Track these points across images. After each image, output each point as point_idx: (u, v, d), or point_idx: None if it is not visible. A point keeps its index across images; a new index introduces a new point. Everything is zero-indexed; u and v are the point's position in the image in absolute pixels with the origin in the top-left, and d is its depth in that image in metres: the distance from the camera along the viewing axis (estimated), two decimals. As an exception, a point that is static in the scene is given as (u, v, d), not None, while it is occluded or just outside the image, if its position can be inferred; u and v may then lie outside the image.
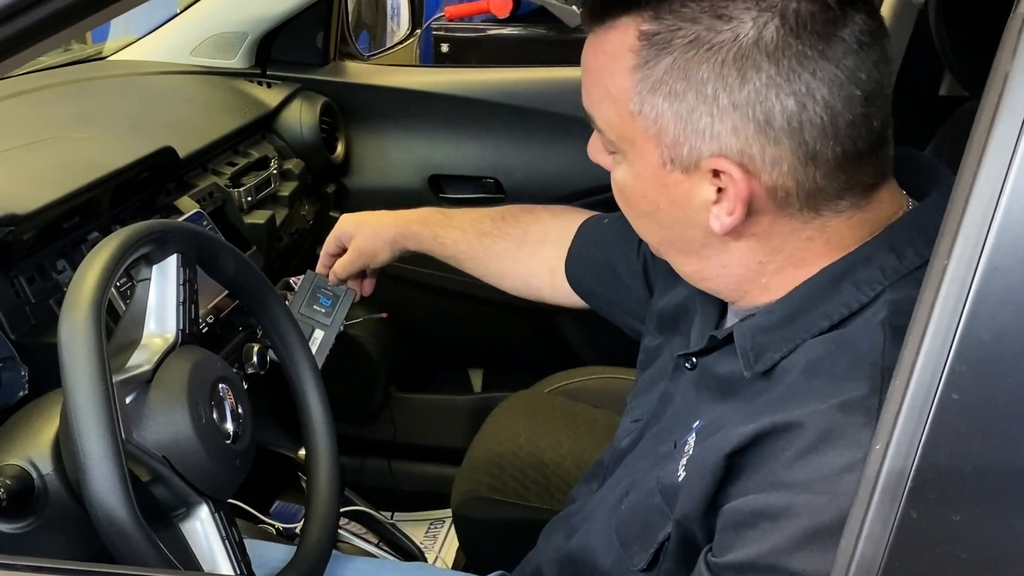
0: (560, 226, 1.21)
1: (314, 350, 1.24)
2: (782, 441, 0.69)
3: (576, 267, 1.18)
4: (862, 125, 0.71)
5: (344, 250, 1.26)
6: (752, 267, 0.78)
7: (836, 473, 0.65)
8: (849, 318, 0.73)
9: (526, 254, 1.22)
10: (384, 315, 1.34)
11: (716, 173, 0.72)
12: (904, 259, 0.73)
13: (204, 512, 0.85)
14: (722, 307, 0.88)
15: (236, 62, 1.91)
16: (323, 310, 1.26)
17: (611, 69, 0.75)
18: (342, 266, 1.25)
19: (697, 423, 0.80)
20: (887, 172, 0.76)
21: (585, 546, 0.89)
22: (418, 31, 2.64)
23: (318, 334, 1.25)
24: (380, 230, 1.24)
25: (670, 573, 0.78)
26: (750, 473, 0.71)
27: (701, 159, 0.72)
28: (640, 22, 0.72)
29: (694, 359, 0.86)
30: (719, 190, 0.73)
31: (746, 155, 0.71)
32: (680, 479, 0.76)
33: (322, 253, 1.29)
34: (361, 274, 1.28)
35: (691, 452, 0.77)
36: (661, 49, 0.71)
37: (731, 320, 0.85)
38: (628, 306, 1.12)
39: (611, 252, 1.13)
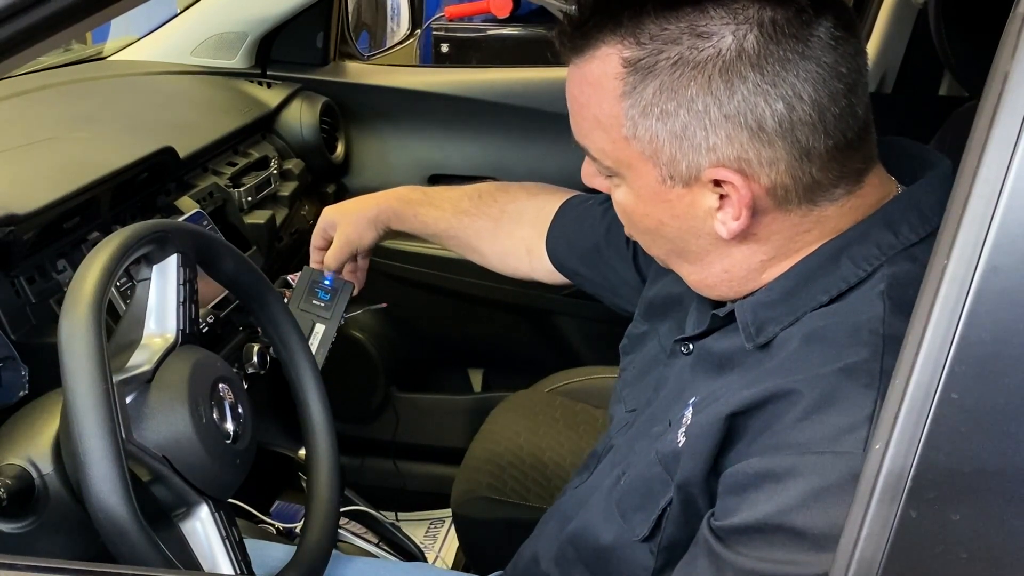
0: (536, 206, 1.22)
1: (316, 344, 1.24)
2: (783, 405, 0.70)
3: (559, 248, 1.19)
4: (849, 116, 0.72)
5: (331, 242, 1.27)
6: (753, 267, 0.79)
7: (839, 433, 0.66)
8: (847, 292, 0.75)
9: (503, 233, 1.24)
10: (384, 305, 1.35)
11: (717, 182, 0.74)
12: (900, 235, 0.75)
13: (204, 512, 0.85)
14: None
15: (236, 62, 1.91)
16: (322, 304, 1.27)
17: (598, 99, 0.76)
18: (331, 256, 1.26)
19: (693, 399, 0.82)
20: (874, 156, 0.78)
21: (584, 527, 0.90)
22: (418, 31, 2.64)
23: (319, 328, 1.26)
24: (362, 213, 1.26)
25: (672, 539, 0.79)
26: (752, 437, 0.72)
27: (700, 171, 0.74)
28: (621, 49, 0.73)
29: (691, 344, 0.88)
30: (721, 196, 0.75)
31: (743, 161, 0.72)
32: (680, 444, 0.78)
33: (311, 248, 1.30)
34: (353, 261, 1.29)
35: (689, 422, 0.79)
36: (647, 73, 0.72)
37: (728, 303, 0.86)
38: (615, 286, 1.14)
39: (597, 238, 1.14)
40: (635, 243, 1.10)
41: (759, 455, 0.70)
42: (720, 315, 0.83)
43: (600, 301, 1.20)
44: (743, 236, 0.76)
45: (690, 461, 0.75)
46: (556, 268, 1.21)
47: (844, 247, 0.76)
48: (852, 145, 0.73)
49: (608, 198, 1.02)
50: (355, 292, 1.29)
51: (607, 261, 1.14)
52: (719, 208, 0.75)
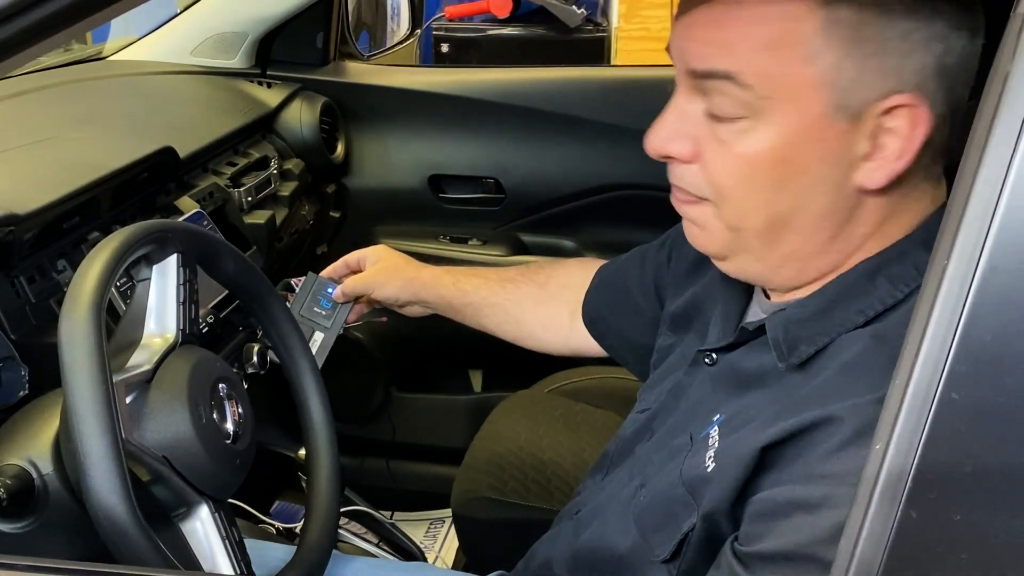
0: (584, 272, 1.22)
1: (314, 352, 1.24)
2: (820, 435, 0.68)
3: (592, 301, 1.19)
4: (968, 86, 0.71)
5: (359, 271, 1.28)
6: (818, 246, 0.75)
7: None
8: (883, 314, 0.73)
9: (547, 296, 1.24)
10: (384, 319, 1.35)
11: (888, 112, 0.69)
12: None
13: (204, 512, 0.85)
14: (745, 301, 0.88)
15: (236, 62, 1.91)
16: (323, 312, 1.27)
17: (782, 13, 0.69)
18: (351, 283, 1.26)
19: (718, 416, 0.80)
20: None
21: (599, 538, 0.88)
22: (418, 31, 2.64)
23: (318, 336, 1.26)
24: (403, 268, 1.26)
25: (693, 563, 0.78)
26: (784, 465, 0.70)
27: (879, 99, 0.68)
28: None
29: (714, 354, 0.86)
30: (873, 144, 0.70)
31: (924, 93, 0.68)
32: (709, 470, 0.76)
33: (340, 260, 1.30)
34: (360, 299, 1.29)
35: (717, 445, 0.77)
36: None
37: (755, 314, 0.85)
38: (639, 336, 1.11)
39: (626, 278, 1.14)
40: (655, 268, 1.09)
41: (791, 483, 0.68)
42: (749, 328, 0.81)
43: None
44: (888, 188, 0.72)
45: (719, 490, 0.74)
46: (586, 325, 1.19)
47: (882, 266, 0.74)
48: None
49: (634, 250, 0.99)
50: (347, 322, 1.29)
51: (634, 302, 1.12)
52: (868, 157, 0.70)
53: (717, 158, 0.74)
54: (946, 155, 0.73)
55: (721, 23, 0.71)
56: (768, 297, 0.84)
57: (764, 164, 0.72)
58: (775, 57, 0.69)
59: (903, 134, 0.69)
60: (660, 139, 0.77)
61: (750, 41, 0.70)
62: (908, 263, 0.73)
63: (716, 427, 0.79)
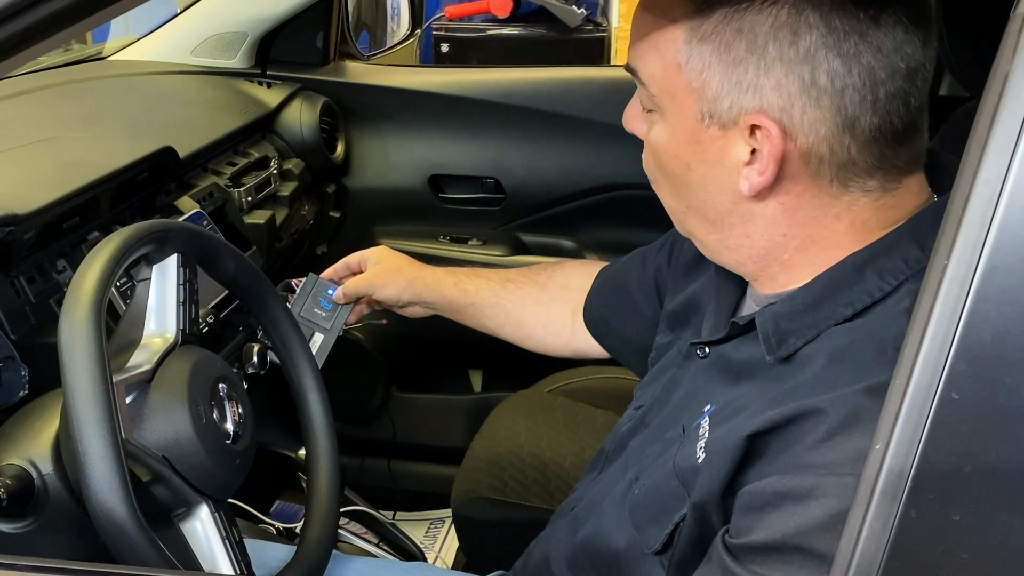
0: (584, 273, 1.23)
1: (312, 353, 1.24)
2: (807, 425, 0.69)
3: (593, 302, 1.19)
4: (900, 101, 0.71)
5: (360, 272, 1.28)
6: (776, 239, 0.77)
7: (862, 455, 0.64)
8: (871, 307, 0.74)
9: (548, 297, 1.24)
10: (384, 321, 1.35)
11: (753, 131, 0.73)
12: (926, 249, 0.73)
13: (204, 512, 0.85)
14: (738, 296, 0.88)
15: (236, 62, 1.91)
16: (323, 314, 1.27)
17: (663, 19, 0.75)
18: (352, 284, 1.26)
19: (709, 407, 0.81)
20: (919, 162, 0.76)
21: (596, 533, 0.89)
22: (418, 31, 2.64)
23: (317, 337, 1.26)
24: (404, 269, 1.27)
25: (684, 554, 0.78)
26: (772, 456, 0.71)
27: (741, 115, 0.73)
28: None
29: (706, 348, 0.86)
30: (752, 152, 0.73)
31: (786, 113, 0.71)
32: (700, 460, 0.76)
33: (341, 261, 1.30)
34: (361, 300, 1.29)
35: (708, 435, 0.77)
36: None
37: (749, 308, 0.85)
38: (640, 336, 1.12)
39: (627, 278, 1.15)
40: (655, 267, 1.10)
41: (779, 474, 0.69)
42: (740, 323, 0.81)
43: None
44: (766, 199, 0.75)
45: (708, 480, 0.74)
46: (587, 325, 1.20)
47: (870, 259, 0.74)
48: (897, 137, 0.72)
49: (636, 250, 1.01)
50: (347, 323, 1.29)
51: (634, 302, 1.13)
52: (748, 163, 0.74)
53: (645, 144, 0.83)
54: (888, 161, 0.74)
55: (639, 21, 0.79)
56: (760, 291, 0.84)
57: (664, 156, 0.80)
58: (659, 59, 0.76)
59: (765, 151, 0.72)
60: (625, 117, 0.85)
61: (645, 42, 0.77)
62: (896, 256, 0.74)
63: (707, 417, 0.80)
